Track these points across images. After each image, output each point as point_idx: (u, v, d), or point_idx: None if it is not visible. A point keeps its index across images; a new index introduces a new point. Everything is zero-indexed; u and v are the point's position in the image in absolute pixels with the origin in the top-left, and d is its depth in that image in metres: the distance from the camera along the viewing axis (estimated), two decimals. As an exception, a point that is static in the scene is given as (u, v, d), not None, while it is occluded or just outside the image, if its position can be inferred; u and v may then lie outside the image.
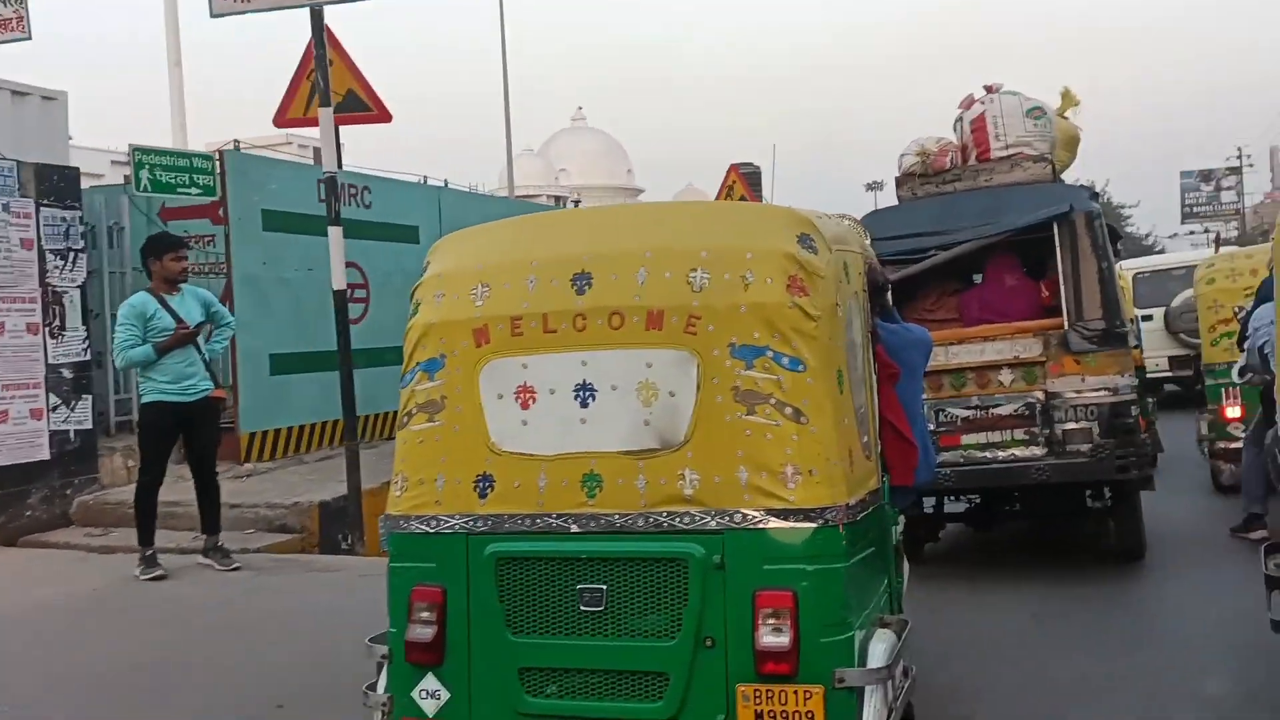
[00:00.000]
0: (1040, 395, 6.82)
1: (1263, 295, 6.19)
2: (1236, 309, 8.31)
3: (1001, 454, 6.84)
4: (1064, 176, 8.15)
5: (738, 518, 3.37)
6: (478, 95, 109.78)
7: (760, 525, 3.36)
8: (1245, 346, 5.77)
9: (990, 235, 7.15)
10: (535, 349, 3.55)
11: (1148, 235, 34.93)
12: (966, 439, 6.93)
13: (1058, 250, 6.94)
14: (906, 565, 4.99)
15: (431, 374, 3.66)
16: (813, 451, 3.39)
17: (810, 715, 3.27)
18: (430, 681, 3.57)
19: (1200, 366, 9.80)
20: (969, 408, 6.96)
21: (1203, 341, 9.50)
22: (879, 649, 3.55)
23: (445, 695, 3.54)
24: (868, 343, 4.09)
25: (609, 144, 59.89)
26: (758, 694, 3.30)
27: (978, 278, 7.87)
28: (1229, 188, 34.35)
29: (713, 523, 3.39)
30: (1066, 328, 6.82)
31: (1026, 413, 6.82)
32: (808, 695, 3.28)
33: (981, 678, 5.42)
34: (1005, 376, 6.90)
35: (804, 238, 3.51)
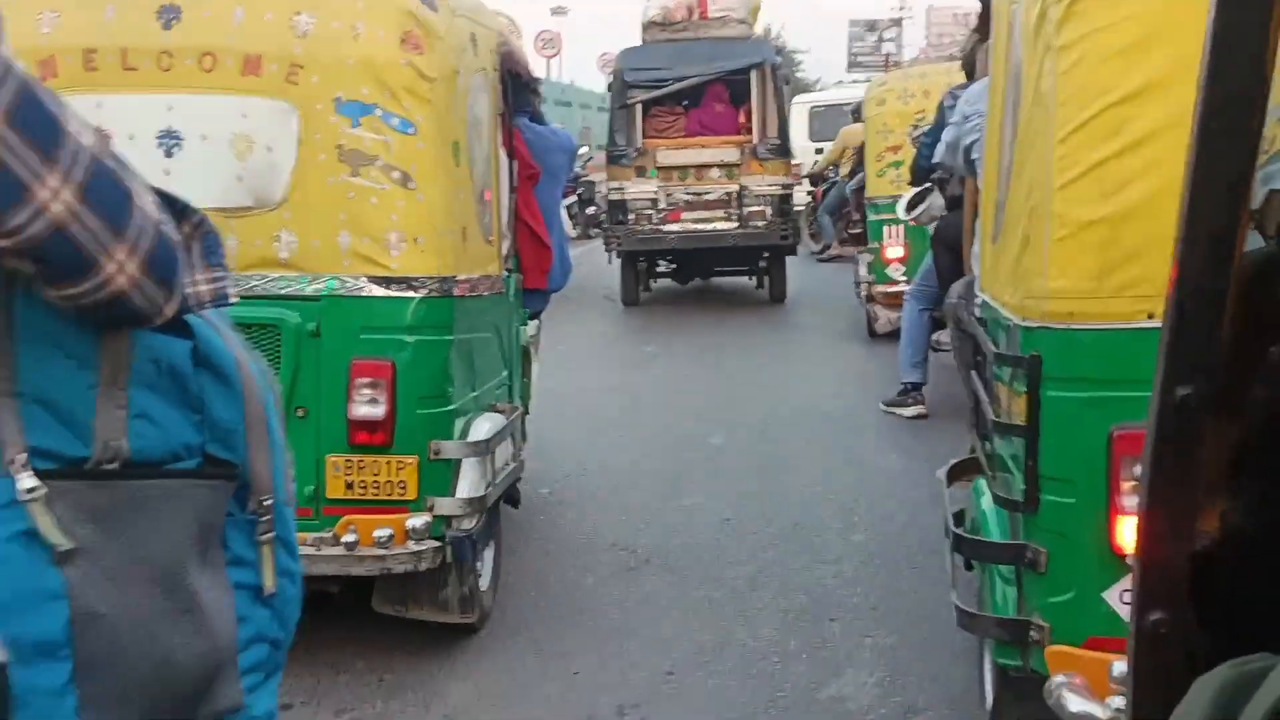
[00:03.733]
0: (736, 187, 9.99)
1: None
2: (910, 130, 7.16)
3: (708, 227, 10.03)
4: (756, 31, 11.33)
5: (336, 284, 3.20)
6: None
7: (360, 292, 3.21)
8: (947, 140, 4.44)
9: (708, 75, 10.29)
10: (112, 88, 3.16)
11: (817, 81, 36.35)
12: (686, 215, 10.06)
13: (752, 89, 10.20)
14: (537, 367, 5.03)
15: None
16: (420, 220, 3.25)
17: (403, 485, 3.22)
18: None
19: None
20: (689, 194, 10.06)
21: (867, 172, 8.48)
22: (482, 427, 3.55)
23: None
24: (496, 126, 3.96)
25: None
26: (349, 464, 3.20)
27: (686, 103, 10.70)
28: (890, 39, 35.59)
29: (309, 288, 3.20)
30: (755, 142, 10.11)
31: (726, 199, 10.01)
32: (401, 465, 3.22)
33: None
34: (714, 173, 10.07)
35: (425, -8, 3.31)
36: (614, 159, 10.31)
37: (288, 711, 3.08)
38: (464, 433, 3.43)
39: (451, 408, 3.34)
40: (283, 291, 3.20)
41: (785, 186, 10.17)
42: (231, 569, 1.14)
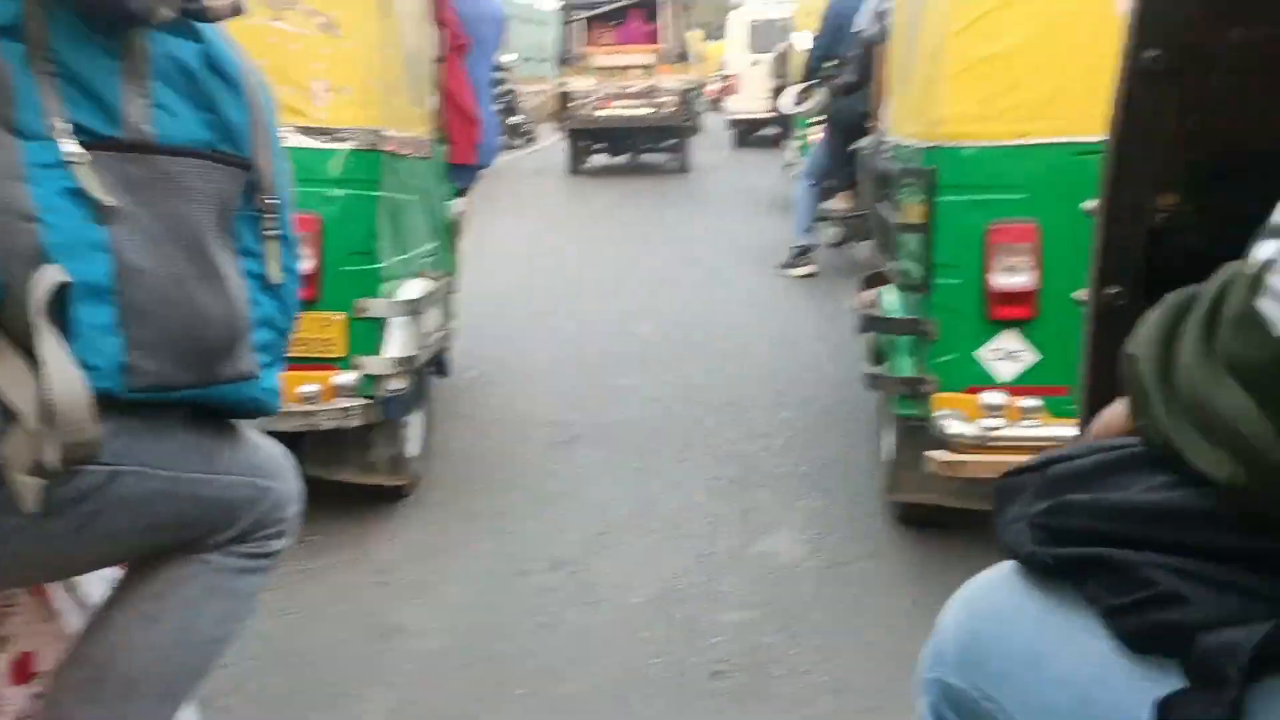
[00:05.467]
0: (652, 83, 13.30)
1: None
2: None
3: (629, 113, 13.38)
4: None
5: (258, 133, 3.09)
6: None
7: (283, 142, 3.09)
8: (873, 9, 4.84)
9: (629, 2, 13.70)
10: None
11: None
12: (615, 104, 13.34)
13: (658, 12, 13.71)
14: (463, 244, 4.94)
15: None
16: (347, 69, 3.14)
17: (329, 343, 3.15)
18: None
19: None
20: (617, 88, 13.31)
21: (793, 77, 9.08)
22: (412, 287, 3.48)
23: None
24: (425, -15, 3.82)
25: None
26: (274, 320, 3.12)
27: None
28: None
29: (230, 137, 3.08)
30: (664, 49, 13.54)
31: (645, 91, 13.29)
32: (327, 322, 3.14)
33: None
34: (635, 73, 13.38)
35: None
36: (564, 61, 13.77)
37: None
38: (393, 294, 3.36)
39: (379, 266, 3.26)
40: (201, 141, 3.07)
41: (688, 84, 13.69)
42: (241, 258, 1.30)
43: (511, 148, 17.24)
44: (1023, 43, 2.71)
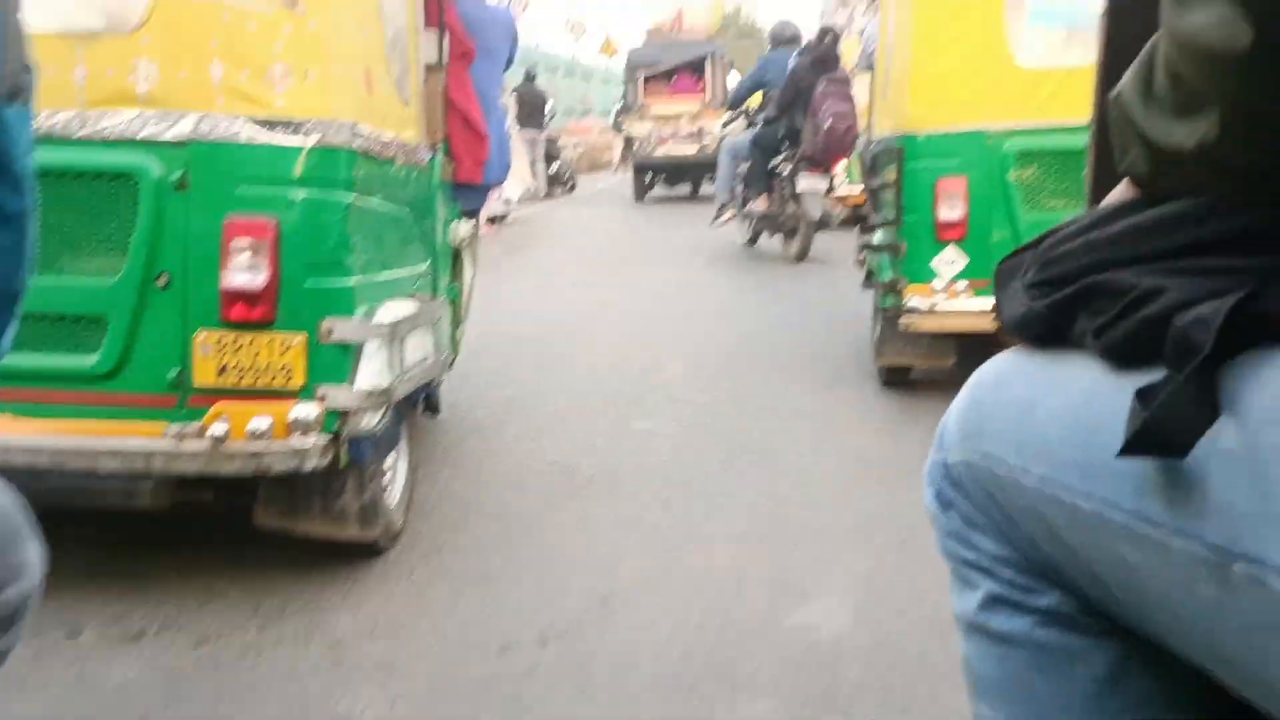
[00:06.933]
0: (697, 127, 15.54)
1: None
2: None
3: (680, 151, 15.69)
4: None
5: (206, 125, 2.65)
6: None
7: (237, 137, 2.65)
8: (867, 49, 8.51)
9: (681, 61, 16.48)
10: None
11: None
12: (670, 143, 15.73)
13: (706, 69, 16.19)
14: (470, 272, 4.49)
15: None
16: (310, 50, 2.70)
17: (287, 370, 2.68)
18: None
19: None
20: (669, 131, 15.71)
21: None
22: (393, 309, 3.01)
23: None
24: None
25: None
26: (221, 343, 2.65)
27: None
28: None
29: (173, 130, 2.64)
30: (708, 97, 15.91)
31: (693, 134, 15.64)
32: (285, 346, 2.68)
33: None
34: (683, 120, 15.75)
35: None
36: (625, 109, 16.85)
37: (140, 641, 2.55)
38: (368, 315, 2.89)
39: (350, 282, 2.80)
40: (141, 134, 2.64)
41: (725, 128, 15.31)
42: None
43: (551, 195, 17.06)
44: (951, 70, 4.32)
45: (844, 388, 5.02)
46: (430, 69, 3.74)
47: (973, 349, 4.08)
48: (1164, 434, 0.65)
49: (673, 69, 16.51)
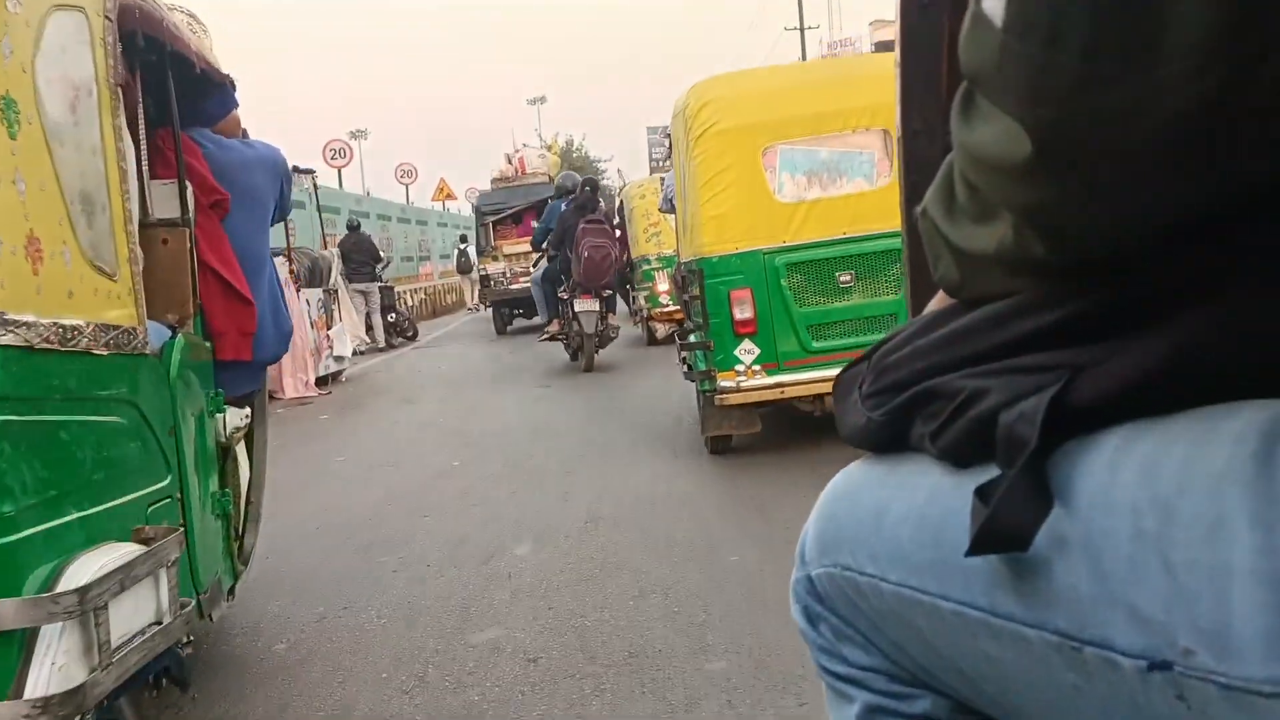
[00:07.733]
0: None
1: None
2: (661, 204, 10.54)
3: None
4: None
5: None
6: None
7: None
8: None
9: (525, 204, 18.49)
10: None
11: (624, 186, 39.00)
12: (522, 280, 16.79)
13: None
14: (253, 469, 3.60)
15: None
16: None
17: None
18: None
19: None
20: (520, 268, 17.41)
21: (639, 239, 13.08)
22: (87, 567, 2.13)
23: None
24: (113, 103, 2.60)
25: None
26: None
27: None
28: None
29: None
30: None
31: None
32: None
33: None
34: (532, 256, 15.36)
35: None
36: (480, 252, 18.59)
37: None
38: (46, 581, 2.00)
39: (7, 539, 1.92)
40: None
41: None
42: None
43: (391, 345, 16.25)
44: (728, 211, 5.65)
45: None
46: (167, 227, 2.95)
47: (771, 415, 6.09)
48: (1004, 529, 0.67)
49: (520, 211, 18.35)
